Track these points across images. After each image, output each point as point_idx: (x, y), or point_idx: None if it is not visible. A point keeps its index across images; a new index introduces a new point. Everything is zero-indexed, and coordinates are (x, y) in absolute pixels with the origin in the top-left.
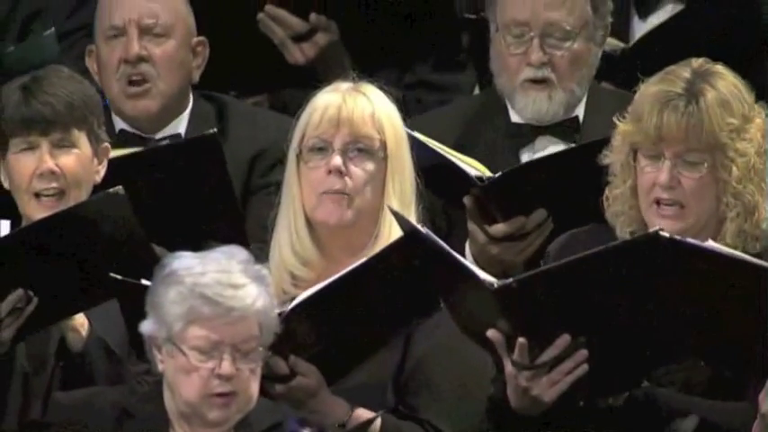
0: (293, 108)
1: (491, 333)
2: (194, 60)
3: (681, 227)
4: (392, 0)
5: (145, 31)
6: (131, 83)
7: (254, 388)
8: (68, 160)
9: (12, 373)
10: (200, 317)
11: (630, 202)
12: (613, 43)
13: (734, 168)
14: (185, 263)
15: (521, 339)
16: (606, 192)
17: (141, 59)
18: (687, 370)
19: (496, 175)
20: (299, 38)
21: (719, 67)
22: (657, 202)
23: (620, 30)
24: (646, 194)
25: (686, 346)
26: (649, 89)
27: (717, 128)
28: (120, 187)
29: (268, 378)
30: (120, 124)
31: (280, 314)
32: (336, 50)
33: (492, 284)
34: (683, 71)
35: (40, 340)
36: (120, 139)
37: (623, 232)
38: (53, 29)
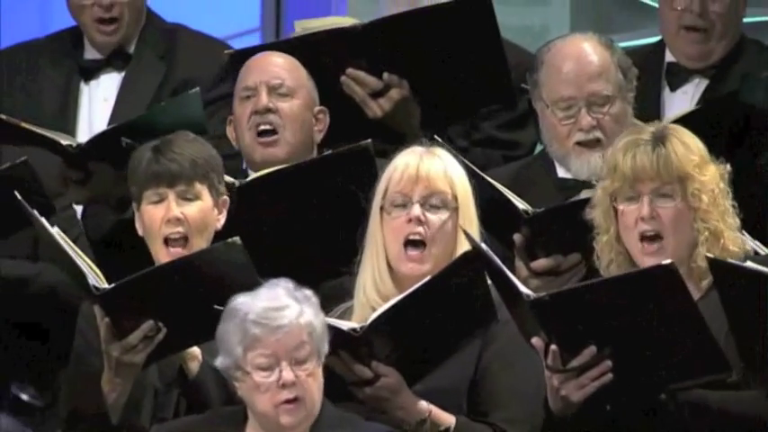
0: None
1: (534, 340)
2: (316, 125)
3: (663, 259)
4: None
5: (272, 90)
6: (261, 133)
7: (316, 390)
8: (192, 209)
9: (145, 391)
10: (254, 340)
11: (617, 248)
12: (639, 125)
13: (703, 196)
14: (240, 300)
15: (553, 346)
16: (595, 246)
17: (269, 111)
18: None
19: (541, 209)
20: (375, 95)
21: (675, 125)
22: (642, 238)
23: (652, 100)
24: (630, 232)
25: (705, 362)
26: (619, 144)
27: (683, 162)
28: (238, 237)
29: (356, 384)
30: (251, 174)
31: (360, 328)
32: (408, 104)
33: (528, 296)
34: (645, 127)
35: (167, 363)
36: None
37: None
38: (198, 89)
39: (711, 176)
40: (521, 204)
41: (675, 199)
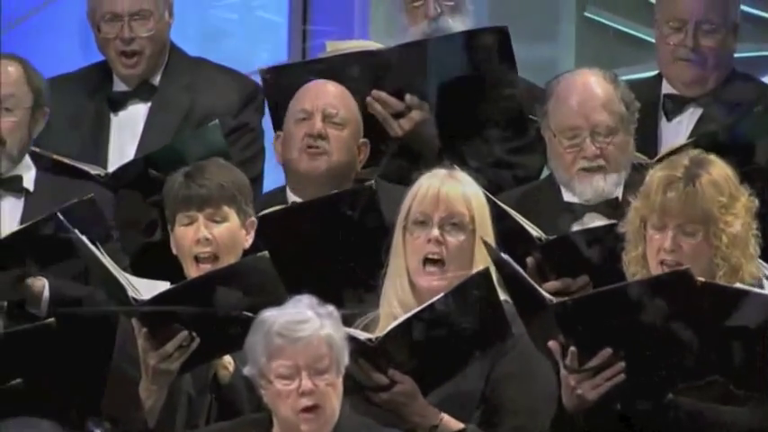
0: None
1: (551, 343)
2: (358, 155)
3: None
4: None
5: (327, 118)
6: (310, 150)
7: (335, 400)
8: (220, 231)
9: (180, 396)
10: (276, 350)
11: (642, 263)
12: (641, 157)
13: (723, 237)
14: (267, 313)
15: (572, 348)
16: (623, 256)
17: (320, 137)
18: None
19: (553, 237)
20: (397, 115)
21: (712, 157)
22: (662, 262)
23: (649, 130)
24: (654, 257)
25: (709, 365)
26: (656, 174)
27: (709, 204)
28: (266, 252)
29: (372, 389)
30: (291, 197)
31: (375, 339)
32: (427, 125)
33: (551, 301)
34: (682, 159)
35: (200, 371)
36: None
37: None
38: (217, 121)
39: (738, 213)
40: (534, 231)
41: (698, 238)
